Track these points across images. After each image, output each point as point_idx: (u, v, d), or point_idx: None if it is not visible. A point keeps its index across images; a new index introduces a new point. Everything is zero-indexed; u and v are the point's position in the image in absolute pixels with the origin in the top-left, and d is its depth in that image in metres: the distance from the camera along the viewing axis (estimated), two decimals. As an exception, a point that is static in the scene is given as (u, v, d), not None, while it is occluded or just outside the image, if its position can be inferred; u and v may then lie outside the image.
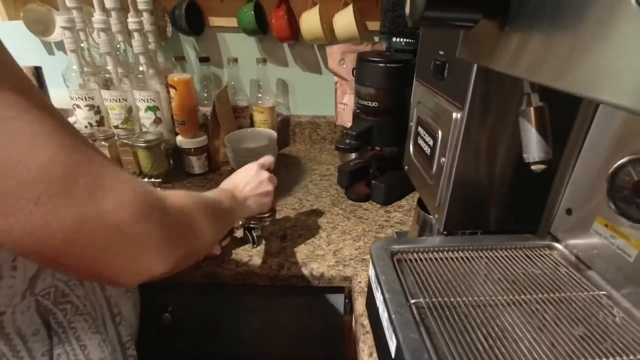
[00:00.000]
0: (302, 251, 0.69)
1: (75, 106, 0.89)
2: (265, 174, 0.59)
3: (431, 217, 0.56)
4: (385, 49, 0.89)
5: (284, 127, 1.15)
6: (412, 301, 0.33)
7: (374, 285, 0.39)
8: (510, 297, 0.35)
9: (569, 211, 0.41)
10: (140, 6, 0.89)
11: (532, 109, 0.28)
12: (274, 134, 0.96)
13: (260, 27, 0.98)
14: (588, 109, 0.39)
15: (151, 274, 0.29)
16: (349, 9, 0.94)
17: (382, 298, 0.35)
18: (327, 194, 0.89)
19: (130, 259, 0.27)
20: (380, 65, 0.74)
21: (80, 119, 0.90)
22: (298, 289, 0.67)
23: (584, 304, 0.34)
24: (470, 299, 0.34)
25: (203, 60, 1.00)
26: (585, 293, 0.35)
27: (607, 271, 0.36)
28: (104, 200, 0.24)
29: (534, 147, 0.28)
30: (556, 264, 0.40)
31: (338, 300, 0.71)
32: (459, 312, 0.33)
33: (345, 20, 0.95)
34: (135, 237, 0.26)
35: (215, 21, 1.03)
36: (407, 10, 0.27)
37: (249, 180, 0.57)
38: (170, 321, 0.71)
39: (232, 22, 1.01)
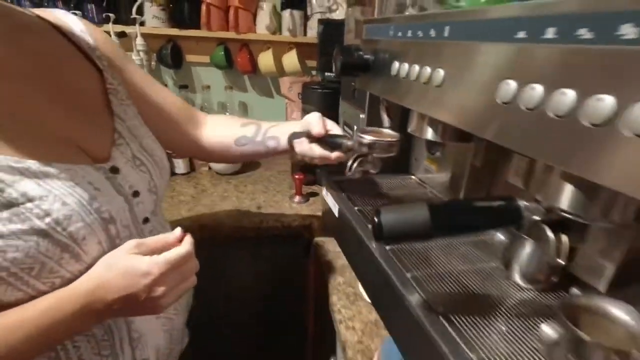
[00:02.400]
0: (273, 213, 1.08)
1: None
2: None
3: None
4: (321, 80, 1.35)
5: (246, 138, 1.54)
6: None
7: (326, 194, 0.80)
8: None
9: (416, 159, 0.86)
10: (139, 47, 1.24)
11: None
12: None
13: (227, 63, 1.38)
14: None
15: None
16: (294, 52, 1.39)
17: (332, 199, 0.76)
18: (285, 182, 1.29)
19: None
20: (319, 91, 1.18)
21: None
22: (273, 237, 1.05)
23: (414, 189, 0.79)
24: (378, 202, 0.77)
25: (182, 87, 1.37)
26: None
27: (435, 185, 0.82)
28: None
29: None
30: (414, 186, 0.85)
31: (300, 246, 1.10)
32: (372, 203, 0.75)
33: (291, 60, 1.39)
34: None
35: (191, 58, 1.41)
36: (334, 69, 0.70)
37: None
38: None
39: (205, 59, 1.40)
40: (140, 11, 1.25)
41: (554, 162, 0.28)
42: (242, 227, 1.02)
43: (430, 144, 0.66)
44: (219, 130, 0.74)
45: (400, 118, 0.68)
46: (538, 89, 0.28)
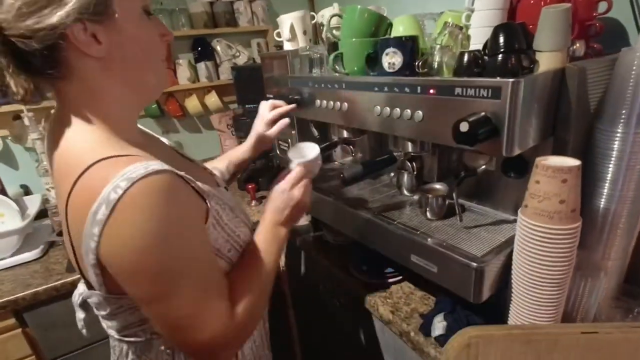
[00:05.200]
0: (242, 216, 1.47)
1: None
2: (293, 190, 0.72)
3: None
4: (242, 112, 1.77)
5: (188, 170, 1.87)
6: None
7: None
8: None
9: (335, 152, 1.36)
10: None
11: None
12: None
13: (160, 112, 1.71)
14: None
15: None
16: (213, 93, 1.78)
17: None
18: (237, 194, 1.68)
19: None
20: (248, 120, 1.61)
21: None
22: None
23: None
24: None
25: (126, 140, 1.65)
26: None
27: (352, 162, 1.32)
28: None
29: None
30: (337, 166, 1.34)
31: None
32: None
33: (213, 100, 1.78)
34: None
35: (127, 115, 1.69)
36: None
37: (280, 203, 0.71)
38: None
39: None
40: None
41: (399, 134, 0.79)
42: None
43: (347, 140, 1.15)
44: None
45: (322, 131, 1.16)
46: (386, 108, 0.79)
